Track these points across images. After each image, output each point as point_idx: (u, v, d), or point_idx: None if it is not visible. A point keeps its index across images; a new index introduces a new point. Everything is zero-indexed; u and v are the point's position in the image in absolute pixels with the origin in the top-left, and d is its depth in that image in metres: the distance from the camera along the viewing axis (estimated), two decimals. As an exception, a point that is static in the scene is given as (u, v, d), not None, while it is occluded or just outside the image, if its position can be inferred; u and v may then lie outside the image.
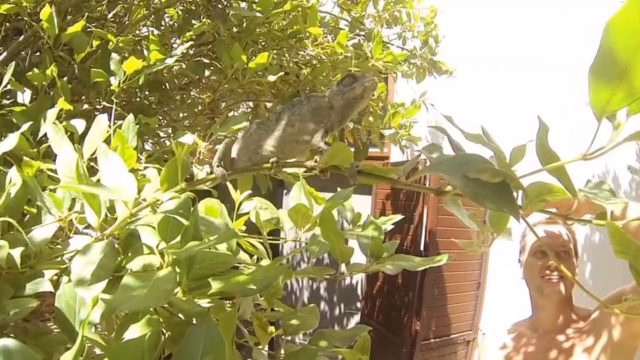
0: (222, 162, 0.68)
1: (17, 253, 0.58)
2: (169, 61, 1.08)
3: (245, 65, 1.18)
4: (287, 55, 1.49)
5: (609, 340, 1.11)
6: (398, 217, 1.02)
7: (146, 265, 0.60)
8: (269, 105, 1.55)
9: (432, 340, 3.07)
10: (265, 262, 0.99)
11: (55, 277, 0.65)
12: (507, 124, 3.35)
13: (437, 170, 0.60)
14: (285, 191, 4.20)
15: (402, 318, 3.11)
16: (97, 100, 1.12)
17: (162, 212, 0.65)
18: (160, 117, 1.33)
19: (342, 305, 4.69)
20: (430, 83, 2.00)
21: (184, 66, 1.21)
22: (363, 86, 0.62)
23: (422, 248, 3.13)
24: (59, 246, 0.69)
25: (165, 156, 1.23)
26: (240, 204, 0.93)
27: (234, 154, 0.69)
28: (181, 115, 1.45)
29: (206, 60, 1.23)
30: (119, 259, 0.63)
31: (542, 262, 1.21)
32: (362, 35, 1.68)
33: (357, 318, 4.23)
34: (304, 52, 1.53)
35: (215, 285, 0.65)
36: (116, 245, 0.64)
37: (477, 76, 3.63)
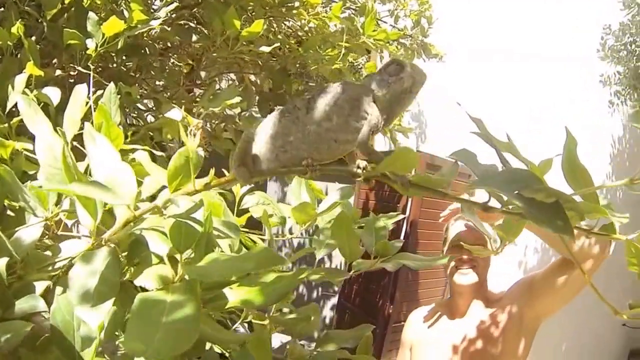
0: (243, 161, 0.57)
1: (2, 264, 0.49)
2: (154, 23, 0.95)
3: (238, 33, 1.07)
4: (275, 25, 1.39)
5: (515, 321, 1.24)
6: (400, 216, 1.00)
7: (159, 279, 0.52)
8: (253, 78, 1.45)
9: (403, 322, 3.11)
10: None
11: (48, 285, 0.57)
12: (499, 114, 3.40)
13: (489, 186, 0.56)
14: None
15: (377, 301, 3.14)
16: (71, 65, 0.98)
17: (172, 216, 0.56)
18: (140, 87, 1.20)
19: (319, 289, 4.74)
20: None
21: (168, 29, 1.08)
22: (412, 78, 0.52)
23: (402, 237, 3.14)
24: (48, 252, 0.59)
25: (151, 133, 1.12)
26: (241, 198, 0.85)
27: (255, 150, 0.56)
28: (159, 83, 1.32)
29: (191, 24, 1.11)
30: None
31: (458, 254, 1.30)
32: (353, 9, 1.58)
33: (334, 300, 4.28)
34: (291, 22, 1.42)
35: (232, 298, 0.58)
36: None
37: (471, 66, 3.63)
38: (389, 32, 1.47)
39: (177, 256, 0.56)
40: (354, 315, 3.33)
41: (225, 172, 0.71)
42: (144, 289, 0.59)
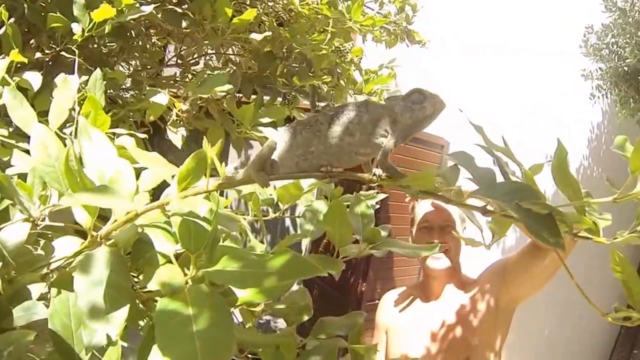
0: (263, 167, 0.60)
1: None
2: (146, 9, 0.92)
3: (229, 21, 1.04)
4: (260, 8, 1.35)
5: (490, 304, 1.24)
6: (382, 195, 1.02)
7: (171, 283, 0.51)
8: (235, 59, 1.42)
9: (377, 301, 3.16)
10: (258, 245, 0.93)
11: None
12: (492, 108, 3.45)
13: (490, 197, 0.58)
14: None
15: (349, 278, 3.17)
16: (52, 46, 0.94)
17: (179, 214, 0.55)
18: (122, 67, 1.16)
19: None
20: (421, 69, 1.95)
21: (158, 15, 1.04)
22: (433, 107, 0.57)
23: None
24: (40, 252, 0.57)
25: (131, 114, 1.09)
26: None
27: (274, 155, 0.61)
28: (137, 62, 1.28)
29: (178, 10, 1.07)
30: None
31: (427, 236, 1.29)
32: (340, -7, 1.56)
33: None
34: (280, 6, 1.40)
35: (242, 295, 0.58)
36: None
37: (464, 60, 3.64)
38: (375, 19, 1.47)
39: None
40: (323, 292, 3.34)
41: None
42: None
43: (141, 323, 0.61)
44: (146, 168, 0.69)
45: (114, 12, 0.85)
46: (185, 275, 0.53)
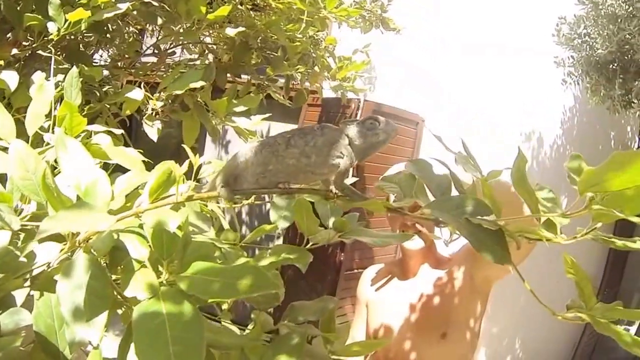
0: (227, 182, 0.64)
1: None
2: (122, 7, 0.93)
3: (203, 16, 1.06)
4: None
5: (465, 284, 1.27)
6: (352, 179, 1.06)
7: (148, 287, 0.56)
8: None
9: (356, 270, 3.23)
10: (231, 233, 0.98)
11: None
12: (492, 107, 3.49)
13: (441, 212, 0.61)
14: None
15: (328, 248, 3.20)
16: (29, 38, 0.95)
17: (152, 224, 0.59)
18: (98, 59, 1.16)
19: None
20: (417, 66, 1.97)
21: (134, 12, 1.05)
22: (386, 134, 0.61)
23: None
24: (23, 259, 0.61)
25: (107, 105, 1.11)
26: (199, 168, 0.89)
27: (237, 171, 0.65)
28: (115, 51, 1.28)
29: (155, 3, 1.08)
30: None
31: (401, 217, 1.23)
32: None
33: (279, 242, 4.32)
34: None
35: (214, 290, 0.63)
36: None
37: (464, 60, 3.65)
38: (349, 10, 1.49)
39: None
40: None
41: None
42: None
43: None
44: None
45: (88, 14, 0.87)
46: (159, 279, 0.58)
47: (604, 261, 4.69)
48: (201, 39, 1.40)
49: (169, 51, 1.37)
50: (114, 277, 0.63)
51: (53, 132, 0.83)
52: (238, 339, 0.59)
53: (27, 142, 0.70)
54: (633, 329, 5.31)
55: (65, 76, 0.90)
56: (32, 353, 0.60)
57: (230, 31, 1.13)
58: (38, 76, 0.88)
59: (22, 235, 0.67)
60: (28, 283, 0.60)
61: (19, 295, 0.59)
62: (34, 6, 0.91)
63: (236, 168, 0.63)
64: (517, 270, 0.68)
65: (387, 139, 0.62)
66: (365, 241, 0.86)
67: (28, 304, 0.61)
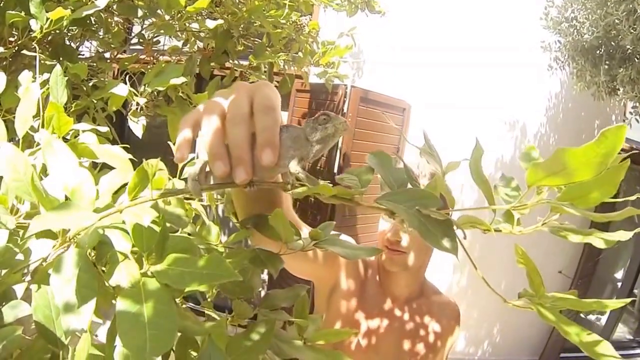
0: (198, 177, 0.69)
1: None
2: (101, 4, 0.96)
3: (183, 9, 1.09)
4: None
5: (442, 342, 1.20)
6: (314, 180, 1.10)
7: (131, 277, 0.63)
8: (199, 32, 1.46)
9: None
10: (213, 228, 1.04)
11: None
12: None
13: (393, 203, 0.66)
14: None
15: (316, 217, 3.27)
16: (14, 34, 0.98)
17: (131, 221, 0.65)
18: (86, 51, 1.20)
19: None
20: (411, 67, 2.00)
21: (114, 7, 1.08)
22: (335, 127, 0.66)
23: (335, 170, 3.28)
24: (20, 256, 0.67)
25: (94, 100, 1.15)
26: (184, 166, 0.93)
27: (208, 168, 0.69)
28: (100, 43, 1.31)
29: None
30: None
31: (390, 234, 1.17)
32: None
33: None
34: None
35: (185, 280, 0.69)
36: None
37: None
38: (332, -6, 1.51)
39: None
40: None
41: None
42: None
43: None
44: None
45: (68, 12, 0.90)
46: (142, 270, 0.65)
47: (580, 252, 4.79)
48: (187, 25, 1.42)
49: (155, 40, 1.40)
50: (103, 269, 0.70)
51: (42, 131, 0.88)
52: (203, 326, 0.66)
53: (19, 144, 0.76)
54: (604, 319, 5.51)
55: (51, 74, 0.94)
56: (35, 340, 0.67)
57: (210, 23, 1.16)
58: (25, 76, 0.92)
59: (21, 233, 0.74)
60: (27, 277, 0.67)
61: (19, 289, 0.65)
62: (15, 4, 0.94)
63: (206, 163, 0.68)
64: (472, 259, 0.73)
65: (335, 132, 0.66)
66: (337, 252, 0.87)
67: (28, 298, 0.68)
